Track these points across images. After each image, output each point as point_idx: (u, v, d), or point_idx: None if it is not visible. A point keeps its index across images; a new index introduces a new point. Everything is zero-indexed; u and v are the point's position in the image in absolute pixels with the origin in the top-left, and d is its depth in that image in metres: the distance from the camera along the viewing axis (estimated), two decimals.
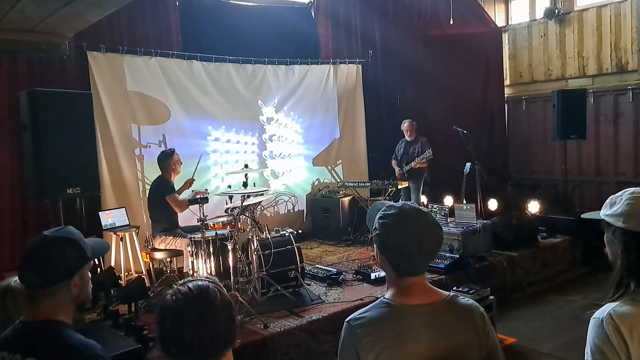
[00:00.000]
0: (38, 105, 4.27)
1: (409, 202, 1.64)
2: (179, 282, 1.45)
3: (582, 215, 1.95)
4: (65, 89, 5.48)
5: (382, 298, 1.61)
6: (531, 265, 6.45)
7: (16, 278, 2.10)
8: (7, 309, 2.03)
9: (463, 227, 6.14)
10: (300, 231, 7.34)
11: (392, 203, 1.65)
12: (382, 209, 1.61)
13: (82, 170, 4.54)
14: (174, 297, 1.36)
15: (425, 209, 1.63)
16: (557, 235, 7.05)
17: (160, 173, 5.56)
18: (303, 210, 8.14)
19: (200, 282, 1.40)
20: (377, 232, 1.58)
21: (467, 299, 1.65)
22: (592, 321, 1.56)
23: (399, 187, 7.19)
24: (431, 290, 1.62)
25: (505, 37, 9.61)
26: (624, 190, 1.61)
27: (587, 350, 1.55)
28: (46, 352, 1.55)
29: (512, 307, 5.72)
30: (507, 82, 9.63)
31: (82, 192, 4.59)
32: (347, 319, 1.58)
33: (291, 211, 7.99)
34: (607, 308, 1.54)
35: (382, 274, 5.40)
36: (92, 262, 1.82)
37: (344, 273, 5.71)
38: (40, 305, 1.63)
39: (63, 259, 1.64)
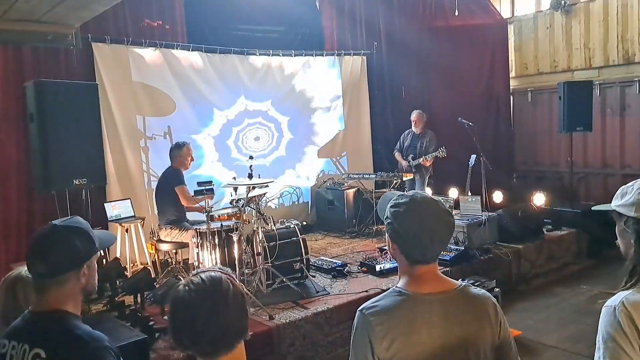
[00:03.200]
0: (45, 96, 4.27)
1: (420, 191, 1.64)
2: (192, 272, 1.44)
3: (593, 208, 1.95)
4: (70, 80, 5.49)
5: (394, 287, 1.61)
6: (536, 258, 6.44)
7: (26, 268, 2.10)
8: (18, 298, 2.03)
9: (468, 220, 6.13)
10: (304, 223, 7.35)
11: (403, 192, 1.65)
12: (394, 198, 1.60)
13: (89, 161, 4.54)
14: (186, 287, 1.36)
15: (436, 197, 1.62)
16: (563, 227, 7.04)
17: (170, 164, 5.58)
18: (308, 202, 8.14)
19: (213, 273, 1.40)
20: (389, 220, 1.58)
21: (479, 288, 1.65)
22: (604, 309, 1.55)
23: (404, 179, 7.17)
24: (443, 279, 1.61)
25: (510, 29, 9.53)
26: (635, 181, 1.61)
27: (599, 338, 1.54)
28: (54, 343, 1.54)
29: (517, 299, 5.72)
30: (512, 73, 9.57)
31: (88, 183, 4.59)
32: (359, 308, 1.58)
33: (296, 203, 7.99)
34: (620, 296, 1.53)
35: (387, 265, 5.42)
36: (99, 253, 1.82)
37: (348, 265, 5.71)
38: (49, 295, 1.62)
39: (72, 248, 1.63)
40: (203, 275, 1.38)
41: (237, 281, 1.44)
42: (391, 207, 1.58)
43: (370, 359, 1.52)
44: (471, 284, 4.87)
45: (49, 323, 1.59)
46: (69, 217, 1.77)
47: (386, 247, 5.58)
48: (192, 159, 5.66)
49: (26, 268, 2.08)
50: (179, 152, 5.54)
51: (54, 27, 4.20)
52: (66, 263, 1.62)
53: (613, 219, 1.70)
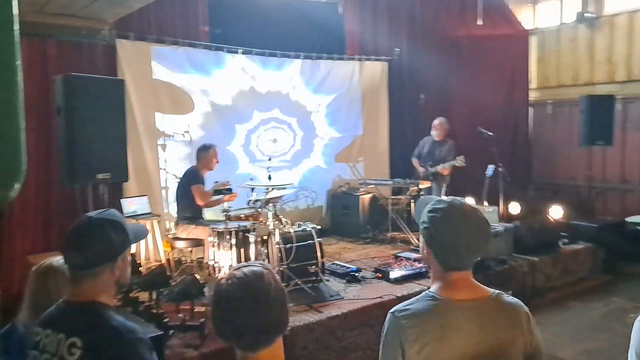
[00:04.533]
0: (73, 90, 4.30)
1: (458, 198, 1.62)
2: (233, 267, 1.45)
3: (627, 219, 1.93)
4: (93, 74, 5.52)
5: (427, 291, 1.60)
6: (552, 271, 6.37)
7: (58, 258, 2.12)
8: (48, 288, 2.06)
9: None
10: (319, 227, 7.31)
11: (440, 198, 1.64)
12: (432, 202, 1.59)
13: (113, 156, 4.56)
14: (229, 281, 1.37)
15: (475, 206, 1.61)
16: (579, 241, 6.96)
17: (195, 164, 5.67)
18: (322, 206, 8.13)
19: (255, 268, 1.40)
20: (426, 225, 1.57)
21: (512, 297, 1.63)
22: (636, 324, 1.54)
23: (421, 186, 7.13)
24: (477, 286, 1.60)
25: (533, 40, 9.48)
26: None
27: (632, 352, 1.53)
28: (90, 333, 1.56)
29: (531, 312, 5.57)
30: (533, 85, 9.51)
31: (111, 178, 4.62)
32: (391, 310, 1.58)
33: (311, 206, 7.98)
34: None
35: (402, 273, 5.38)
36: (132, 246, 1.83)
37: (362, 270, 5.69)
38: (84, 286, 1.64)
39: (108, 240, 1.65)
40: (246, 270, 1.39)
41: (278, 277, 1.43)
42: (429, 211, 1.57)
43: None
44: None
45: (85, 313, 1.60)
46: (104, 209, 1.79)
47: (401, 254, 5.54)
48: (217, 162, 5.72)
49: (58, 258, 2.11)
50: (205, 153, 5.65)
51: (89, 22, 4.26)
52: (102, 255, 1.64)
53: (632, 235, 1.69)
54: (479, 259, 1.62)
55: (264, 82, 7.38)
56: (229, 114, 7.16)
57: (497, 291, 1.61)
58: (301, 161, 7.87)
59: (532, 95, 9.50)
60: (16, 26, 0.80)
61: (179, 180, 5.83)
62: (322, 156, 8.04)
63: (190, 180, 5.48)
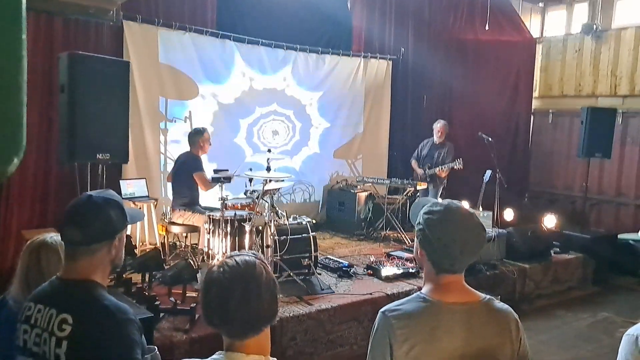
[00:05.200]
0: (77, 68, 4.30)
1: (455, 201, 1.65)
2: (226, 255, 1.46)
3: (620, 236, 1.96)
4: (98, 55, 5.53)
5: (418, 293, 1.62)
6: (542, 279, 6.43)
7: (52, 234, 2.14)
8: (41, 263, 2.07)
9: None
10: (314, 221, 7.35)
11: (437, 200, 1.66)
12: (428, 204, 1.61)
13: (114, 137, 4.57)
14: (221, 269, 1.39)
15: (471, 210, 1.63)
16: (570, 251, 7.01)
17: (189, 149, 5.62)
18: (319, 201, 8.16)
19: (247, 257, 1.42)
20: (421, 226, 1.59)
21: (502, 303, 1.66)
22: (625, 338, 1.57)
23: (418, 187, 7.16)
24: (468, 290, 1.62)
25: (538, 48, 9.50)
26: None
27: None
28: (81, 310, 1.57)
29: (519, 318, 5.70)
30: (535, 94, 9.54)
31: (111, 159, 4.63)
32: (382, 309, 1.59)
33: (307, 201, 8.01)
34: None
35: (393, 271, 5.42)
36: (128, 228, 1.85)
37: (354, 266, 5.73)
38: (79, 263, 1.65)
39: (107, 219, 1.67)
40: (238, 259, 1.41)
41: (270, 267, 1.46)
42: (425, 213, 1.59)
43: None
44: None
45: (78, 291, 1.62)
46: (103, 189, 1.81)
47: (393, 253, 5.58)
48: (210, 145, 5.71)
49: (52, 235, 2.13)
50: (199, 137, 5.59)
51: (97, 1, 4.24)
52: (101, 233, 1.66)
53: (623, 248, 1.72)
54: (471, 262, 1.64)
55: (261, 82, 7.38)
56: (233, 111, 7.20)
57: (488, 296, 1.63)
58: (300, 149, 7.90)
59: (534, 104, 9.53)
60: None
61: (175, 165, 5.80)
62: (318, 144, 8.04)
63: (192, 167, 5.45)
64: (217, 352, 1.42)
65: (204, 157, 5.77)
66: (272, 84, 7.46)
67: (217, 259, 1.47)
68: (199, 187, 5.51)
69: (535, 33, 9.64)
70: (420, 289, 1.66)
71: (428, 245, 1.58)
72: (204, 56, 6.81)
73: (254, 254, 1.46)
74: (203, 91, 6.86)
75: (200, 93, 6.84)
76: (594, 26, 8.60)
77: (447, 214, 1.57)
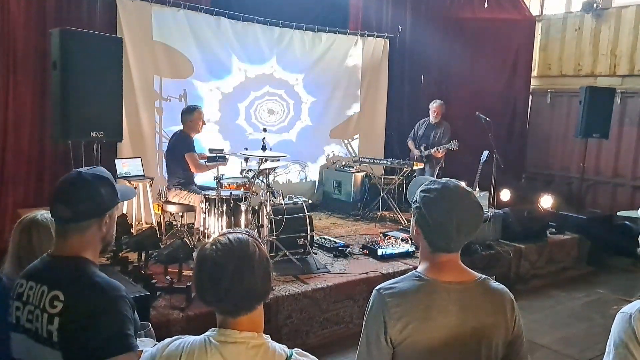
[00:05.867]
0: (70, 45, 4.23)
1: (453, 180, 1.62)
2: (220, 232, 1.45)
3: (619, 213, 1.94)
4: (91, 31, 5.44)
5: (414, 271, 1.61)
6: (537, 259, 6.47)
7: (43, 212, 2.12)
8: (32, 241, 2.06)
9: None
10: (310, 201, 7.35)
11: (435, 178, 1.64)
12: (425, 182, 1.59)
13: (107, 115, 4.52)
14: (213, 246, 1.37)
15: (468, 189, 1.61)
16: (566, 232, 7.05)
17: (181, 127, 5.56)
18: (315, 181, 8.14)
19: (240, 235, 1.40)
20: (417, 205, 1.57)
21: (497, 283, 1.65)
22: (619, 316, 1.56)
23: (414, 167, 7.14)
24: (464, 269, 1.61)
25: (538, 27, 9.39)
26: None
27: (610, 343, 1.55)
28: (72, 287, 1.56)
29: (514, 297, 5.74)
30: (534, 73, 9.45)
31: (105, 137, 4.58)
32: (377, 287, 1.59)
33: (303, 180, 7.99)
34: (637, 304, 1.53)
35: (389, 250, 5.44)
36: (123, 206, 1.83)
37: (350, 246, 5.74)
38: (70, 240, 1.64)
39: (97, 195, 1.65)
40: (231, 236, 1.39)
41: (263, 245, 1.44)
42: (422, 191, 1.57)
43: (382, 338, 1.53)
44: None
45: (69, 268, 1.61)
46: (93, 166, 1.78)
47: (389, 233, 5.57)
48: (203, 123, 5.65)
49: (42, 212, 2.11)
50: (190, 116, 5.51)
51: None
52: (91, 210, 1.64)
53: (619, 229, 1.71)
54: (468, 242, 1.63)
55: (253, 71, 7.32)
56: (233, 97, 7.19)
57: (483, 276, 1.62)
58: (295, 124, 7.87)
59: (533, 83, 9.45)
60: None
61: (167, 144, 5.75)
62: (309, 117, 7.98)
63: (182, 147, 5.39)
64: (210, 329, 1.41)
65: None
66: (262, 71, 7.45)
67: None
68: None
69: (535, 11, 9.52)
70: (415, 268, 1.65)
71: (424, 223, 1.56)
72: (199, 34, 6.70)
73: (247, 231, 1.44)
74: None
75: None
76: (595, 4, 8.49)
77: (444, 192, 1.55)
